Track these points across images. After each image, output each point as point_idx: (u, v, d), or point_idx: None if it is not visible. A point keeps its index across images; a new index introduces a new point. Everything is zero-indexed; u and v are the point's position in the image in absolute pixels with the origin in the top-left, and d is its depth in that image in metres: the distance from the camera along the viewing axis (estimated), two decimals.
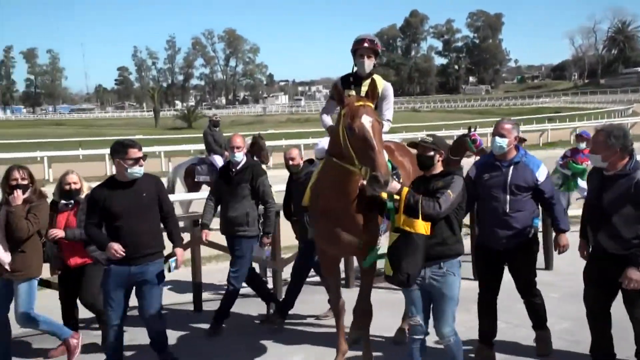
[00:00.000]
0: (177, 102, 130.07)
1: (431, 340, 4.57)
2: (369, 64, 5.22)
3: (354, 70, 5.31)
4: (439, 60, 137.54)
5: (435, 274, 4.14)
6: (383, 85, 5.28)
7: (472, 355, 5.04)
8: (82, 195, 5.43)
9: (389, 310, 5.78)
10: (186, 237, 6.65)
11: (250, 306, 6.75)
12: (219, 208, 6.26)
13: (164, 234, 5.11)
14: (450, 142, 6.86)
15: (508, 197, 4.81)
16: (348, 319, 5.11)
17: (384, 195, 4.19)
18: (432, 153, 4.25)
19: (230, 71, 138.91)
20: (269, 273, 7.70)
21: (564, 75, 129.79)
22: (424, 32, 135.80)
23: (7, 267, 5.03)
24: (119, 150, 4.74)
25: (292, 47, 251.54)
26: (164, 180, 12.54)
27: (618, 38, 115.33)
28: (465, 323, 5.00)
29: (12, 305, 5.25)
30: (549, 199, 4.94)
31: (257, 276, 6.73)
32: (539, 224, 5.13)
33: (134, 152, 4.73)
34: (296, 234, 6.40)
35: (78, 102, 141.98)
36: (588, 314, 4.72)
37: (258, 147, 11.68)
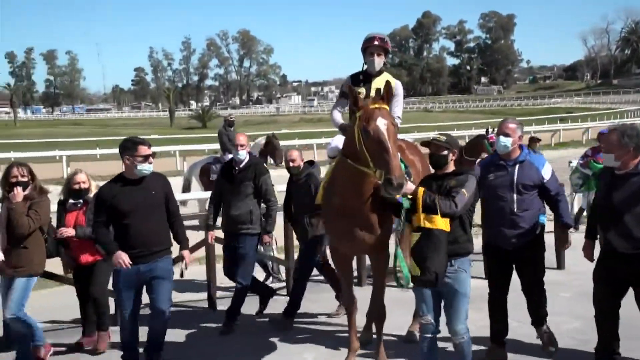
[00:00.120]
0: (191, 102, 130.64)
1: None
2: (379, 61, 5.22)
3: (364, 69, 5.31)
4: (451, 61, 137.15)
5: (448, 272, 4.11)
6: (394, 83, 5.28)
7: (484, 353, 5.01)
8: (91, 195, 5.40)
9: (401, 309, 5.77)
10: (201, 234, 6.68)
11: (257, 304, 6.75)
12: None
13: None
14: (461, 142, 6.82)
15: (515, 196, 4.78)
16: (359, 317, 5.12)
17: (398, 195, 4.17)
18: (445, 152, 4.23)
19: (244, 72, 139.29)
20: (282, 270, 7.71)
21: (576, 75, 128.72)
22: (436, 32, 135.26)
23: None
24: (129, 147, 4.70)
25: (305, 48, 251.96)
26: (180, 179, 12.66)
27: (631, 38, 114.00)
28: (476, 322, 4.98)
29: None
30: (555, 196, 4.91)
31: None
32: (545, 220, 5.07)
33: (144, 150, 4.71)
34: (296, 235, 6.35)
35: (96, 103, 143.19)
36: (597, 313, 4.69)
37: (272, 146, 11.70)
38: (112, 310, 5.76)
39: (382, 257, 4.76)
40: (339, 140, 5.02)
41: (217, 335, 5.95)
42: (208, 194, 10.65)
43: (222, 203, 6.11)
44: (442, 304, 4.29)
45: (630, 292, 4.53)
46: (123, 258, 4.60)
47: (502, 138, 4.80)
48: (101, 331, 5.53)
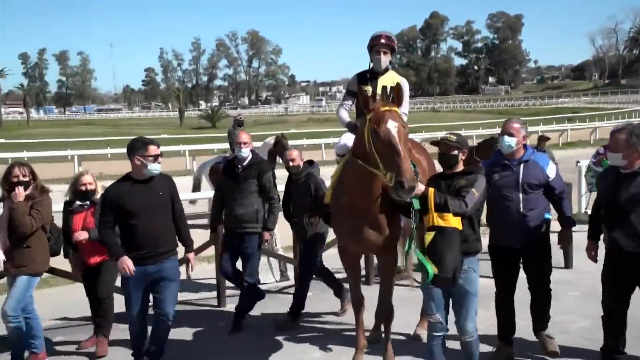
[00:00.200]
0: (201, 102, 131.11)
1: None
2: (385, 60, 5.21)
3: (370, 67, 5.29)
4: (459, 61, 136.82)
5: None
6: (399, 81, 5.25)
7: (491, 352, 4.99)
8: (97, 196, 5.36)
9: (408, 308, 5.75)
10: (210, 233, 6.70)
11: (270, 303, 6.76)
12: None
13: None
14: (469, 142, 6.78)
15: (521, 195, 4.74)
16: (367, 315, 5.11)
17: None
18: (455, 152, 4.19)
19: (253, 72, 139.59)
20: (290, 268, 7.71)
21: (584, 75, 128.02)
22: (443, 33, 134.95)
23: (1, 265, 5.00)
24: (139, 147, 4.66)
25: (313, 48, 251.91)
26: (190, 178, 12.68)
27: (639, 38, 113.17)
28: (484, 321, 4.96)
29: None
30: (559, 195, 4.87)
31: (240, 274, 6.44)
32: (551, 218, 5.05)
33: (154, 149, 4.67)
34: (295, 234, 6.30)
35: (107, 103, 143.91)
36: (604, 312, 4.67)
37: (281, 146, 11.67)
38: (117, 308, 5.75)
39: (390, 257, 4.75)
40: (347, 139, 4.99)
41: (225, 334, 5.95)
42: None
43: (225, 202, 6.05)
44: (451, 302, 4.27)
45: (637, 291, 4.51)
46: (127, 264, 4.54)
47: (506, 138, 4.76)
48: (102, 335, 5.49)
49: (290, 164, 6.10)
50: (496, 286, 5.02)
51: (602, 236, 4.77)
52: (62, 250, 5.50)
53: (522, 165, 4.77)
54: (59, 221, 5.59)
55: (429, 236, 3.96)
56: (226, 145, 15.97)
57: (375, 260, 6.93)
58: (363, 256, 6.35)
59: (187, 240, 5.02)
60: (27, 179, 5.06)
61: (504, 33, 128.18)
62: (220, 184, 6.20)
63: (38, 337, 5.19)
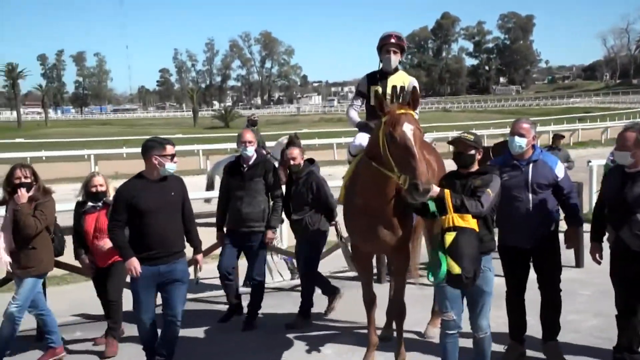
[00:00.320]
0: (214, 102, 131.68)
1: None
2: (395, 59, 5.18)
3: (380, 67, 5.27)
4: (470, 61, 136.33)
5: None
6: (409, 80, 5.25)
7: (502, 350, 4.97)
8: (109, 197, 5.31)
9: (419, 306, 5.74)
10: None
11: (282, 301, 6.77)
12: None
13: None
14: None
15: (530, 195, 4.69)
16: (379, 313, 5.10)
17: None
18: (473, 151, 4.16)
19: (266, 72, 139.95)
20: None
21: (595, 75, 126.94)
22: (455, 33, 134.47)
23: (8, 267, 5.00)
24: (156, 146, 4.61)
25: (325, 49, 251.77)
26: (203, 177, 12.72)
27: None
28: (495, 319, 4.93)
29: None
30: (568, 194, 4.81)
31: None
32: (560, 218, 4.99)
33: (171, 149, 4.64)
34: (295, 233, 6.22)
35: (122, 103, 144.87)
36: (618, 312, 4.64)
37: (294, 146, 11.72)
38: (127, 306, 5.73)
39: (403, 257, 4.74)
40: (362, 139, 4.94)
41: (238, 332, 5.96)
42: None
43: (231, 201, 5.97)
44: (464, 300, 4.24)
45: None
46: (135, 265, 4.50)
47: (517, 139, 4.70)
48: (111, 337, 5.46)
49: (292, 162, 6.04)
50: (507, 285, 4.98)
51: (605, 237, 4.74)
52: (64, 249, 5.46)
53: (531, 165, 4.72)
54: (70, 221, 5.58)
55: (449, 236, 3.88)
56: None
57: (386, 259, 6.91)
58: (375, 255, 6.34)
59: (195, 241, 5.00)
60: (29, 180, 5.03)
61: (515, 33, 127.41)
62: (226, 183, 6.11)
63: (54, 332, 5.22)
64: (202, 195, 9.27)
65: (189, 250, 4.93)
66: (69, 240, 5.59)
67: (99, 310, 5.77)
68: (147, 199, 4.55)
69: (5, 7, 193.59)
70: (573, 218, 4.92)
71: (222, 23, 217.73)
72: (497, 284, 4.32)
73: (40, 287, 5.19)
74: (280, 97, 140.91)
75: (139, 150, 4.82)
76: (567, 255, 5.03)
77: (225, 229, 6.11)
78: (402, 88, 5.18)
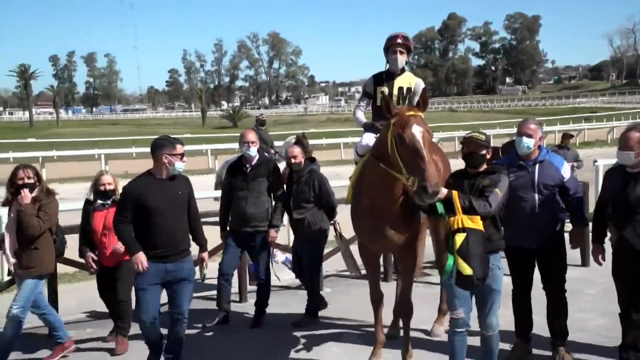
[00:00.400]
0: (223, 102, 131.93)
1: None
2: (401, 59, 5.15)
3: (387, 68, 5.25)
4: (476, 62, 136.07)
5: None
6: (416, 81, 5.22)
7: (509, 348, 4.95)
8: (119, 195, 5.25)
9: (425, 304, 5.73)
10: None
11: (289, 299, 6.77)
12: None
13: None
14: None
15: (536, 196, 4.64)
16: (386, 311, 5.10)
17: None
18: (484, 151, 4.13)
19: (274, 73, 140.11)
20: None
21: (601, 75, 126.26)
22: (461, 34, 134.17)
23: (11, 267, 4.99)
24: (166, 145, 4.60)
25: (332, 49, 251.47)
26: (212, 177, 12.72)
27: None
28: (501, 317, 4.91)
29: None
30: (574, 195, 4.75)
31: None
32: (565, 218, 4.95)
33: (180, 148, 4.64)
34: (295, 232, 6.16)
35: (132, 103, 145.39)
36: (622, 311, 4.61)
37: (302, 146, 11.71)
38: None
39: (410, 256, 4.73)
40: (369, 139, 4.93)
41: (247, 329, 5.97)
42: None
43: (234, 201, 5.93)
44: (473, 299, 4.22)
45: None
46: (142, 260, 4.47)
47: (524, 139, 4.65)
48: (121, 335, 5.47)
49: (293, 160, 6.01)
50: (513, 284, 4.96)
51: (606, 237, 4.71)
52: (64, 251, 5.45)
53: (537, 166, 4.68)
54: (79, 219, 5.58)
55: (460, 237, 3.85)
56: None
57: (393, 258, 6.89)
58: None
59: (201, 239, 4.99)
60: (32, 181, 5.01)
61: (522, 34, 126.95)
62: (228, 183, 6.06)
63: (60, 329, 5.23)
64: (211, 195, 9.27)
65: (194, 249, 4.92)
66: (70, 239, 5.59)
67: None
68: (155, 197, 4.53)
69: (18, 9, 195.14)
70: (579, 218, 4.88)
71: (230, 24, 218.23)
72: (504, 283, 4.30)
73: (40, 288, 5.17)
74: (288, 97, 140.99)
75: (148, 149, 4.82)
76: (572, 254, 5.00)
77: (228, 229, 6.08)
78: (409, 89, 5.16)
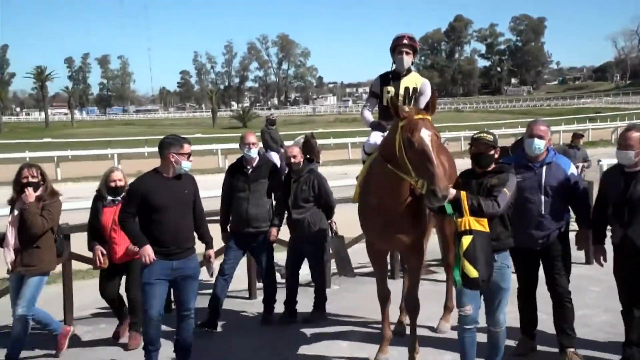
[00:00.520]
0: (233, 103, 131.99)
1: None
2: (407, 60, 5.13)
3: (393, 68, 5.24)
4: (482, 63, 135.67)
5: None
6: (422, 81, 5.20)
7: (514, 345, 4.93)
8: None
9: (431, 301, 5.70)
10: None
11: (298, 296, 6.75)
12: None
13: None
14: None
15: (543, 197, 4.58)
16: (393, 308, 5.09)
17: None
18: (492, 151, 4.11)
19: (283, 74, 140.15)
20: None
21: (605, 76, 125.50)
22: (467, 35, 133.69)
23: (9, 265, 4.95)
24: (174, 144, 4.58)
25: (340, 51, 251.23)
26: (222, 176, 12.79)
27: None
28: (507, 314, 4.91)
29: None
30: (580, 197, 4.71)
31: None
32: (570, 218, 4.91)
33: (188, 147, 4.61)
34: (293, 231, 6.07)
35: (144, 104, 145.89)
36: (623, 308, 4.59)
37: (310, 146, 11.69)
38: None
39: (417, 254, 4.72)
40: (376, 137, 4.90)
41: (256, 326, 5.98)
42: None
43: (235, 203, 5.87)
44: (482, 296, 4.19)
45: None
46: (149, 253, 4.45)
47: (536, 141, 4.58)
48: (134, 331, 5.47)
49: (292, 160, 5.97)
50: (518, 282, 4.92)
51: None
52: (63, 251, 5.42)
53: (544, 168, 4.63)
54: (86, 218, 5.56)
55: (466, 240, 3.84)
56: None
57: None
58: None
59: (207, 237, 4.99)
60: (36, 180, 4.99)
61: (527, 35, 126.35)
62: (229, 185, 5.97)
63: (50, 324, 5.21)
64: (220, 193, 9.29)
65: (199, 247, 4.91)
66: (84, 237, 5.59)
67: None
68: (161, 195, 4.51)
69: (34, 14, 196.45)
70: (584, 220, 4.81)
71: (240, 26, 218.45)
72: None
73: (43, 286, 5.12)
74: (297, 98, 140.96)
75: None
76: (576, 251, 4.96)
77: (229, 230, 6.02)
78: (415, 89, 5.15)
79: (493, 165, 4.15)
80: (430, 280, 6.89)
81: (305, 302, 6.37)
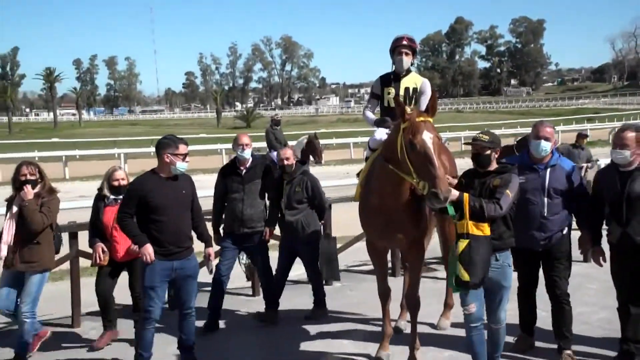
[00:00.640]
0: (237, 103, 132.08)
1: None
2: (407, 60, 5.12)
3: (393, 70, 5.22)
4: (482, 64, 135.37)
5: (493, 266, 4.00)
6: (421, 81, 5.19)
7: (512, 341, 4.92)
8: None
9: (432, 298, 5.72)
10: None
11: (300, 292, 6.78)
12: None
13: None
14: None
15: (546, 200, 4.54)
16: (394, 305, 5.09)
17: None
18: (488, 152, 4.09)
19: (286, 75, 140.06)
20: None
21: (603, 77, 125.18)
22: (468, 37, 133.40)
23: (1, 256, 4.87)
24: (170, 144, 4.54)
25: (343, 52, 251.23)
26: None
27: None
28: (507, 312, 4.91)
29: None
30: (582, 200, 4.66)
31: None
32: (571, 219, 4.87)
33: (184, 148, 4.56)
34: (286, 232, 6.02)
35: (150, 104, 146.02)
36: (620, 305, 4.59)
37: (313, 146, 11.68)
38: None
39: (417, 253, 4.72)
40: (381, 133, 4.86)
41: (258, 323, 5.95)
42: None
43: (229, 204, 5.81)
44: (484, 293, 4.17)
45: None
46: (150, 252, 4.42)
47: (543, 142, 4.52)
48: (107, 331, 5.41)
49: (285, 162, 5.93)
50: (518, 280, 4.90)
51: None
52: (60, 249, 5.36)
53: (548, 170, 4.57)
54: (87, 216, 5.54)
55: (462, 243, 3.85)
56: (260, 144, 16.09)
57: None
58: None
59: (205, 235, 4.99)
60: (34, 177, 4.95)
61: (526, 37, 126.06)
62: (222, 186, 5.89)
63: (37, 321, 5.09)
64: None
65: (198, 247, 4.90)
66: (82, 235, 5.55)
67: (128, 300, 5.77)
68: (161, 195, 4.49)
69: (43, 16, 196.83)
70: (587, 224, 4.72)
71: (244, 28, 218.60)
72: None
73: (45, 283, 5.07)
74: (300, 99, 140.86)
75: None
76: (575, 251, 4.93)
77: (222, 231, 5.95)
78: (415, 89, 5.14)
79: (495, 165, 4.13)
80: (431, 278, 6.89)
81: (305, 300, 6.38)
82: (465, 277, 3.83)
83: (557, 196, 4.56)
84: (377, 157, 4.54)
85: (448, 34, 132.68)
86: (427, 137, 3.81)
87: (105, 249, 5.34)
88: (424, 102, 4.99)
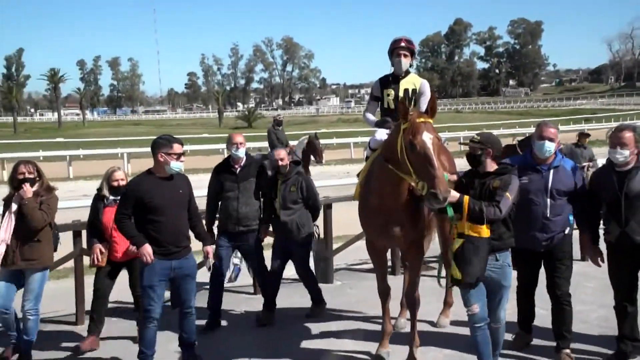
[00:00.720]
0: (238, 103, 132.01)
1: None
2: (405, 62, 5.11)
3: (392, 71, 5.21)
4: (481, 65, 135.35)
5: (493, 266, 4.00)
6: (420, 82, 5.19)
7: (510, 338, 4.92)
8: None
9: (432, 297, 5.69)
10: None
11: (297, 292, 6.75)
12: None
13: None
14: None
15: (548, 201, 4.50)
16: (393, 304, 5.08)
17: None
18: (479, 152, 4.08)
19: (287, 75, 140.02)
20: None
21: (601, 78, 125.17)
22: (467, 38, 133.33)
23: None
24: (165, 144, 4.51)
25: (343, 53, 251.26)
26: None
27: None
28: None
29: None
30: (584, 201, 4.63)
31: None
32: (572, 219, 4.85)
33: (178, 148, 4.53)
34: (280, 232, 5.96)
35: (153, 105, 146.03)
36: (616, 304, 4.59)
37: (313, 146, 11.67)
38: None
39: (417, 252, 4.71)
40: (382, 134, 4.86)
41: (258, 322, 5.91)
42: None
43: (224, 202, 5.76)
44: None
45: None
46: (149, 252, 4.41)
47: (547, 143, 4.48)
48: (92, 335, 5.33)
49: (280, 163, 5.90)
50: (518, 280, 4.88)
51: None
52: (57, 247, 5.28)
53: (552, 171, 4.53)
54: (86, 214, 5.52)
55: (457, 243, 3.87)
56: (262, 144, 16.14)
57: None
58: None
59: (203, 234, 4.98)
60: (32, 175, 4.91)
61: (525, 38, 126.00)
62: (216, 184, 5.84)
63: (15, 331, 5.03)
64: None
65: (196, 246, 4.88)
66: (85, 234, 5.53)
67: (127, 297, 5.75)
68: (159, 195, 4.46)
69: (48, 17, 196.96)
70: (589, 227, 4.69)
71: (246, 29, 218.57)
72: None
73: (46, 281, 5.04)
74: (301, 99, 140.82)
75: None
76: (574, 249, 4.92)
77: (216, 230, 5.91)
78: (414, 90, 5.14)
79: (495, 166, 4.12)
80: (430, 277, 6.86)
81: (305, 298, 6.38)
82: (458, 275, 3.86)
83: (560, 197, 4.52)
84: (377, 157, 4.53)
85: (447, 35, 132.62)
86: (427, 137, 3.81)
87: (104, 250, 5.29)
88: (424, 103, 4.98)
